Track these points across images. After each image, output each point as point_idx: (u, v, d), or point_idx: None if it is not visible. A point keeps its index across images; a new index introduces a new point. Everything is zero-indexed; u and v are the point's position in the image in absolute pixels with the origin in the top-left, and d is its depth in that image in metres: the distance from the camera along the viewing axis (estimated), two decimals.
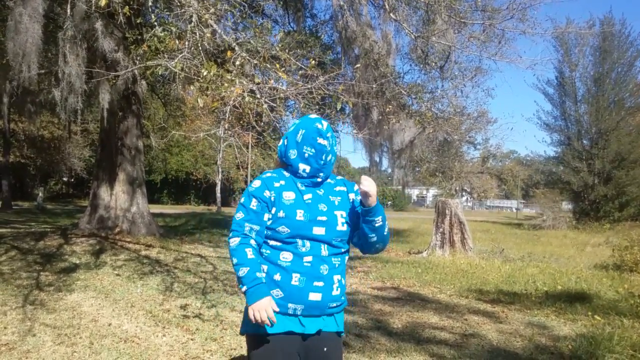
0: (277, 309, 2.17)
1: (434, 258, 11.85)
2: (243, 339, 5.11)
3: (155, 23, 6.43)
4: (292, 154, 2.34)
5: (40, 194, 26.83)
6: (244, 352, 4.79)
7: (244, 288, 2.17)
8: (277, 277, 2.23)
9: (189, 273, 8.67)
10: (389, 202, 62.82)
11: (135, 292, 7.14)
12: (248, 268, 2.17)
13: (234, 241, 2.25)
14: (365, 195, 2.22)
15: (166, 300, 6.75)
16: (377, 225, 2.29)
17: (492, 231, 23.97)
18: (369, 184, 2.20)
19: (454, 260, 11.32)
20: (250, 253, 2.21)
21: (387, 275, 9.45)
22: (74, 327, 5.38)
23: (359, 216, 2.35)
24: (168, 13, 6.69)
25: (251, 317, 2.13)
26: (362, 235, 2.35)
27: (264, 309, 2.11)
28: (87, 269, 8.55)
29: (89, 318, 5.77)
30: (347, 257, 2.41)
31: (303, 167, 2.32)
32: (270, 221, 2.27)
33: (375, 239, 2.34)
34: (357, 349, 4.93)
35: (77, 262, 9.06)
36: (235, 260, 2.21)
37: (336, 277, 2.29)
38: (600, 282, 8.91)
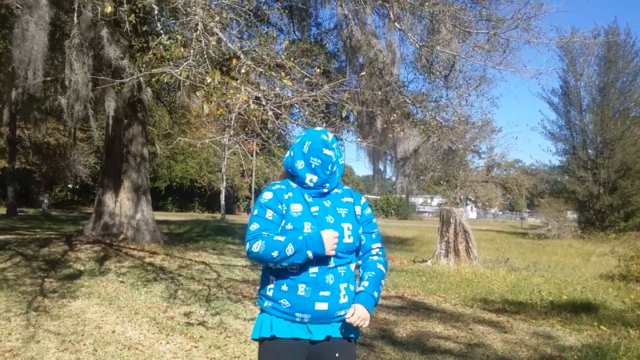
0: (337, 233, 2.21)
1: (438, 267, 11.80)
2: (246, 346, 5.12)
3: (161, 31, 6.46)
4: (299, 164, 2.37)
5: (45, 201, 26.93)
6: (248, 359, 4.78)
7: (309, 252, 2.17)
8: (285, 287, 2.26)
9: (193, 280, 8.67)
10: (393, 211, 62.69)
11: (140, 299, 7.14)
12: (290, 243, 2.17)
13: (257, 245, 2.20)
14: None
15: (170, 308, 6.74)
16: None
17: (496, 240, 23.89)
18: (361, 321, 2.27)
19: (459, 269, 11.27)
20: (279, 237, 2.21)
21: (391, 284, 9.41)
22: (77, 334, 5.37)
23: (363, 235, 2.46)
24: (174, 21, 6.73)
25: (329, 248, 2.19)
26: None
27: (331, 239, 2.18)
28: (91, 275, 8.56)
29: (93, 325, 5.77)
30: (353, 265, 2.42)
31: (310, 177, 2.36)
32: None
33: None
34: (361, 358, 4.91)
35: (82, 268, 9.06)
36: (275, 254, 2.16)
37: (342, 286, 2.30)
38: (606, 292, 8.86)
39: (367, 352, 5.11)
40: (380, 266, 2.42)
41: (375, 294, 2.34)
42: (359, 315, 2.23)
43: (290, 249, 2.14)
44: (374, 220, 2.54)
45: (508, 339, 5.90)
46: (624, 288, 9.41)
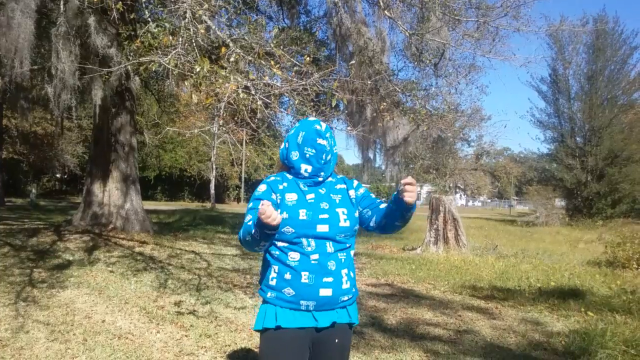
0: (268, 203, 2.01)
1: (428, 254, 11.88)
2: (237, 335, 5.14)
3: (149, 19, 6.41)
4: (294, 155, 2.41)
5: (33, 191, 26.67)
6: (238, 348, 4.80)
7: (255, 229, 2.07)
8: (288, 276, 2.28)
9: (183, 270, 8.66)
10: (383, 199, 62.98)
11: (129, 289, 7.12)
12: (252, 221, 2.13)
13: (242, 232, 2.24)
14: (409, 198, 2.17)
15: (160, 297, 6.73)
16: (408, 216, 2.31)
17: (485, 228, 24.05)
18: (413, 194, 2.16)
19: (448, 257, 11.35)
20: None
21: (381, 271, 9.46)
22: (67, 324, 5.36)
23: (367, 208, 2.43)
24: (162, 9, 6.67)
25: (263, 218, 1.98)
26: (388, 223, 2.36)
27: (263, 207, 1.97)
28: (80, 265, 8.52)
29: (83, 315, 5.75)
30: (352, 251, 2.45)
31: (305, 167, 2.39)
32: None
33: (400, 224, 2.36)
34: (352, 345, 4.93)
35: (71, 258, 9.02)
36: (248, 237, 2.15)
37: (344, 271, 2.33)
38: (593, 278, 8.96)
39: (357, 339, 5.14)
40: None
41: None
42: (414, 193, 2.17)
43: (253, 228, 2.09)
44: (373, 195, 2.53)
45: (496, 325, 5.96)
46: (611, 274, 9.52)
